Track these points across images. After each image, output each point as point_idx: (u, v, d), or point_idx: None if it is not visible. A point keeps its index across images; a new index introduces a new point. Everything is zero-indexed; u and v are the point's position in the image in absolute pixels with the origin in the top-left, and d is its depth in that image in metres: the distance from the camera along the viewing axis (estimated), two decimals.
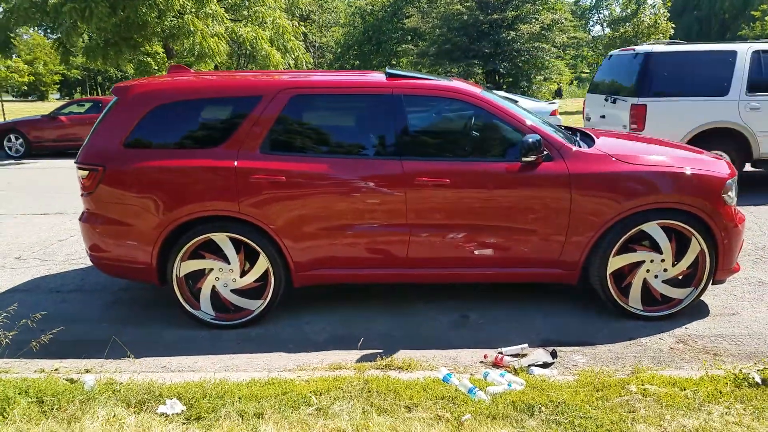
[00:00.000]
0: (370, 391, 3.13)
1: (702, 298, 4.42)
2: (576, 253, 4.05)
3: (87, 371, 3.61)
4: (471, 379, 3.25)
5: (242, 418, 2.90)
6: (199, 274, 4.18)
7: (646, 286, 4.12)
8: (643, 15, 26.65)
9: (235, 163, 3.97)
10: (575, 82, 48.01)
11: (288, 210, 3.99)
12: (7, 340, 3.61)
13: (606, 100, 8.49)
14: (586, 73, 49.26)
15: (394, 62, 38.47)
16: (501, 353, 3.67)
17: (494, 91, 14.90)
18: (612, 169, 3.95)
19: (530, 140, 3.80)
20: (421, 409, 2.94)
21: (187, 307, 4.20)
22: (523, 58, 26.38)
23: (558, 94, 37.85)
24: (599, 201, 3.94)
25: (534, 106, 13.50)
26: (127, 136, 4.08)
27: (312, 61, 43.98)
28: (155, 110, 4.10)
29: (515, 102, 13.45)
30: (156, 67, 18.08)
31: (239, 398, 3.07)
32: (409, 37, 36.07)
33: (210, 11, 15.42)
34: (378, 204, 4.02)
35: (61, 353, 3.89)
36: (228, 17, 16.92)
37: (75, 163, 4.22)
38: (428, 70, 36.07)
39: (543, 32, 26.46)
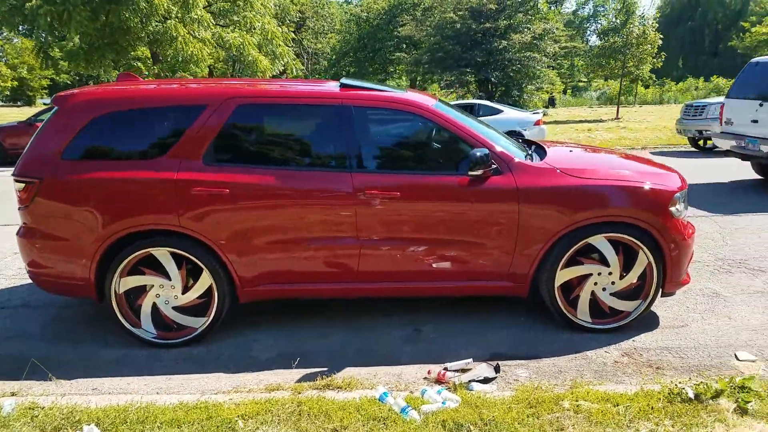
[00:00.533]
0: (300, 414, 3.05)
1: (654, 309, 4.41)
2: (525, 266, 4.01)
3: (13, 394, 3.49)
4: (407, 398, 3.18)
5: None
6: (140, 291, 4.07)
7: (594, 298, 4.10)
8: (632, 26, 26.93)
9: (176, 174, 3.88)
10: (569, 92, 48.42)
11: (232, 224, 3.91)
12: None
13: (760, 105, 8.71)
14: (584, 82, 49.65)
15: (391, 69, 38.59)
16: (446, 369, 3.61)
17: (483, 101, 15.04)
18: (558, 183, 3.92)
19: (477, 154, 3.76)
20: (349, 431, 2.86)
21: (127, 325, 4.08)
22: (514, 68, 26.66)
23: (551, 103, 38.20)
24: (546, 214, 3.91)
25: (519, 115, 13.63)
26: (66, 147, 3.96)
27: (303, 67, 43.89)
28: (95, 120, 3.99)
29: (500, 111, 13.62)
30: (146, 72, 17.90)
31: (161, 423, 2.98)
32: (404, 45, 36.30)
33: (196, 16, 15.31)
34: (327, 217, 3.95)
35: (6, 373, 3.76)
36: (216, 23, 16.81)
37: (12, 175, 4.11)
38: (421, 78, 36.23)
39: (535, 42, 26.72)
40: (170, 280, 4.01)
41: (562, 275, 4.03)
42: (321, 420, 2.97)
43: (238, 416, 3.04)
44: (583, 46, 36.53)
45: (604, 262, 4.01)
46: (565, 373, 3.60)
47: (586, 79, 48.10)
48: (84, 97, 4.08)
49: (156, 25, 14.87)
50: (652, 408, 3.00)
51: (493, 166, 3.89)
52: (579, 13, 44.78)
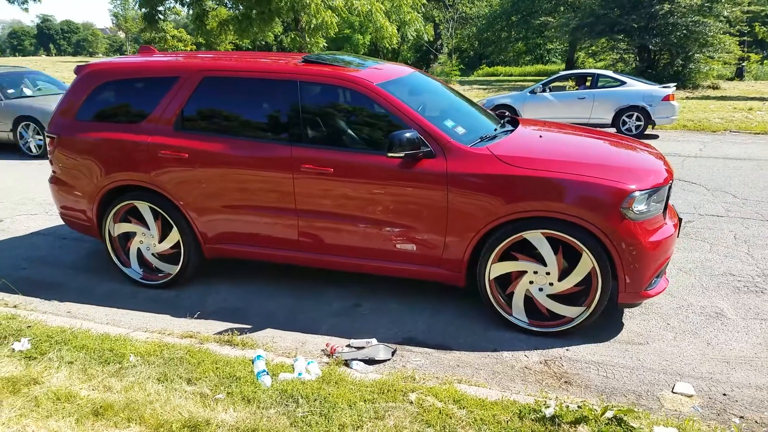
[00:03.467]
0: (181, 360, 3.36)
1: (626, 320, 3.98)
2: (458, 254, 3.86)
3: (15, 306, 4.29)
4: (278, 364, 3.34)
5: (58, 363, 3.31)
6: (131, 236, 4.68)
7: (530, 298, 3.80)
8: None
9: (150, 138, 4.35)
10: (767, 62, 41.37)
11: (190, 185, 4.30)
12: None
13: None
14: None
15: (526, 33, 36.19)
16: (348, 345, 3.68)
17: (604, 71, 13.63)
18: (490, 171, 3.67)
19: (402, 135, 3.66)
20: (199, 384, 3.11)
21: (119, 264, 4.74)
22: (679, 33, 23.05)
23: (738, 74, 32.84)
24: (477, 203, 3.70)
25: (645, 88, 12.31)
26: (78, 110, 4.66)
27: (449, 33, 42.86)
28: (99, 87, 4.63)
29: (622, 83, 12.37)
30: (288, 42, 19.17)
31: (73, 346, 3.50)
32: (562, 9, 33.72)
33: None
34: (270, 187, 4.16)
35: (15, 289, 4.62)
36: None
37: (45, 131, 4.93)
38: (564, 45, 33.17)
39: (707, 4, 22.90)
40: (149, 229, 4.55)
41: (496, 269, 3.79)
42: (185, 368, 3.25)
43: (135, 353, 3.45)
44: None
45: (541, 260, 3.69)
46: (460, 369, 3.46)
47: None
48: (92, 68, 4.73)
49: None
50: (496, 419, 2.80)
51: (424, 149, 3.75)
52: None
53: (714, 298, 4.31)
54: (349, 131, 4.14)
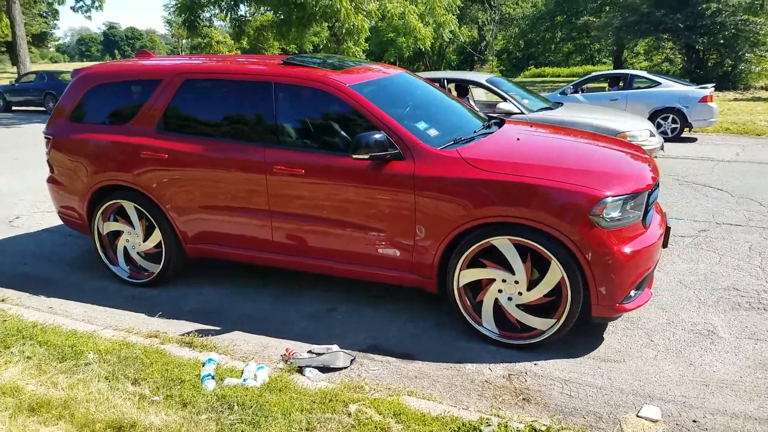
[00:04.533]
0: (135, 360, 3.37)
1: (607, 335, 3.78)
2: (428, 259, 3.73)
3: (2, 300, 4.42)
4: (228, 369, 3.30)
5: (18, 357, 3.37)
6: (118, 234, 4.76)
7: (500, 308, 3.64)
8: None
9: (134, 139, 4.41)
10: None
11: (170, 185, 4.33)
12: None
13: None
14: None
15: (574, 34, 34.91)
16: (310, 351, 3.62)
17: (639, 72, 13.06)
18: (456, 175, 3.53)
19: (364, 138, 3.57)
20: (143, 385, 3.10)
21: (107, 262, 4.82)
22: (727, 33, 21.86)
23: None
24: (444, 206, 3.57)
25: (681, 89, 11.76)
26: (72, 111, 4.77)
27: (492, 33, 41.82)
28: (91, 90, 4.73)
29: (657, 84, 11.83)
30: (324, 45, 19.24)
31: (38, 342, 3.56)
32: (608, 8, 32.63)
33: None
34: (245, 188, 4.14)
35: (10, 283, 4.77)
36: None
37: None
38: (608, 45, 31.84)
39: (757, 2, 21.65)
40: (135, 229, 4.61)
41: (465, 275, 3.65)
42: (136, 368, 3.26)
43: (95, 351, 3.48)
44: None
45: (510, 268, 3.53)
46: (417, 380, 3.33)
47: None
48: (86, 71, 4.85)
49: (326, 0, 15.85)
50: None
51: (392, 152, 3.65)
52: None
53: (709, 315, 4.02)
54: (321, 133, 4.07)
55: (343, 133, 3.95)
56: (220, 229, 4.33)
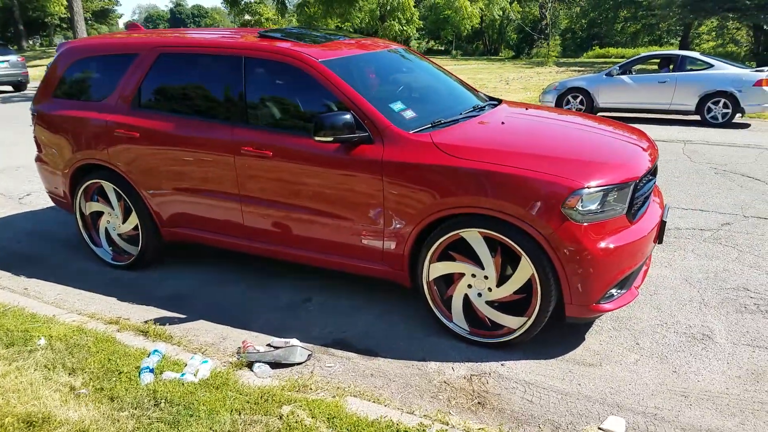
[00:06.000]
0: (81, 348, 3.27)
1: (589, 336, 3.47)
2: (398, 250, 3.49)
3: None
4: (174, 362, 3.17)
5: None
6: (101, 215, 4.69)
7: (469, 304, 3.37)
8: None
9: (108, 116, 4.30)
10: None
11: (142, 165, 4.20)
12: None
13: None
14: None
15: (641, 12, 33.28)
16: (269, 344, 3.45)
17: (691, 53, 12.24)
18: (424, 161, 3.26)
19: (326, 119, 3.33)
20: (77, 375, 2.99)
21: (90, 244, 4.77)
22: None
23: None
24: (410, 195, 3.31)
25: (733, 72, 10.95)
26: (54, 88, 4.70)
27: (517, 10, 40.14)
28: (73, 65, 4.64)
29: (709, 66, 11.05)
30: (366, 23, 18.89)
31: None
32: None
33: None
34: (214, 170, 3.97)
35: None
36: None
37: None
38: (673, 25, 30.23)
39: None
40: (114, 210, 4.53)
41: (434, 269, 3.40)
42: (78, 357, 3.15)
43: (47, 336, 3.40)
44: None
45: (480, 263, 3.25)
46: (372, 379, 3.12)
47: None
48: (69, 45, 4.75)
49: None
50: None
51: (360, 134, 3.40)
52: None
53: (709, 317, 3.65)
54: (290, 112, 3.86)
55: (314, 112, 3.71)
56: (193, 212, 4.19)
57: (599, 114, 12.39)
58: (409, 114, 3.66)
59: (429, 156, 3.27)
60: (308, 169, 3.62)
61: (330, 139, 3.36)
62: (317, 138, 3.37)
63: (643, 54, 13.20)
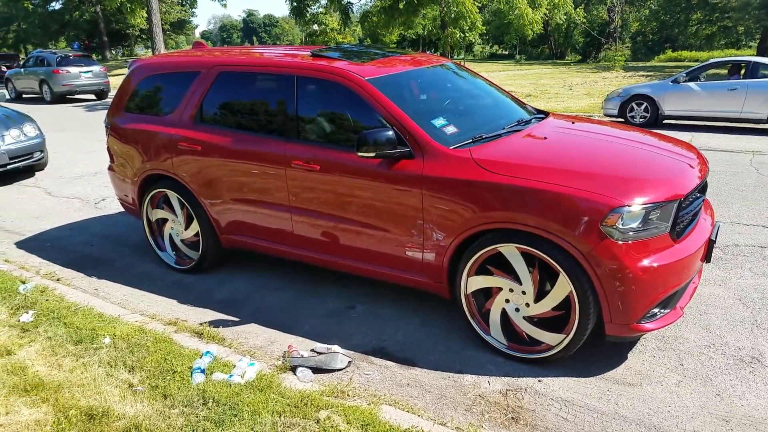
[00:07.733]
0: (141, 347, 3.53)
1: (632, 354, 3.44)
2: (437, 263, 3.58)
3: (58, 280, 4.82)
4: (224, 363, 3.36)
5: (43, 337, 3.65)
6: (165, 222, 5.02)
7: (507, 318, 3.41)
8: None
9: (173, 130, 4.60)
10: None
11: (203, 176, 4.47)
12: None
13: None
14: None
15: (716, 15, 31.71)
16: (313, 349, 3.61)
17: (761, 59, 11.63)
18: (463, 176, 3.33)
19: (370, 135, 3.46)
20: (136, 373, 3.23)
21: (155, 249, 5.10)
22: None
23: None
24: (450, 209, 3.39)
25: None
26: (127, 102, 5.07)
27: (581, 15, 39.00)
28: (142, 81, 4.99)
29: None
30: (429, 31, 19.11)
31: (64, 323, 3.83)
32: None
33: None
34: (267, 182, 4.18)
35: (71, 263, 5.21)
36: None
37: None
38: (751, 27, 28.65)
39: None
40: (177, 217, 4.84)
41: (473, 282, 3.46)
42: (138, 356, 3.40)
43: (112, 335, 3.69)
44: None
45: (517, 278, 3.29)
46: (408, 388, 3.21)
47: None
48: (139, 63, 5.10)
49: None
50: None
51: (402, 149, 3.51)
52: None
53: (760, 339, 3.53)
54: (338, 128, 4.01)
55: (359, 128, 3.86)
56: (248, 221, 4.42)
57: (665, 122, 11.98)
58: (451, 129, 3.74)
59: (467, 171, 3.34)
60: (353, 182, 3.76)
61: (372, 154, 3.49)
62: (360, 153, 3.51)
63: (711, 60, 12.67)
